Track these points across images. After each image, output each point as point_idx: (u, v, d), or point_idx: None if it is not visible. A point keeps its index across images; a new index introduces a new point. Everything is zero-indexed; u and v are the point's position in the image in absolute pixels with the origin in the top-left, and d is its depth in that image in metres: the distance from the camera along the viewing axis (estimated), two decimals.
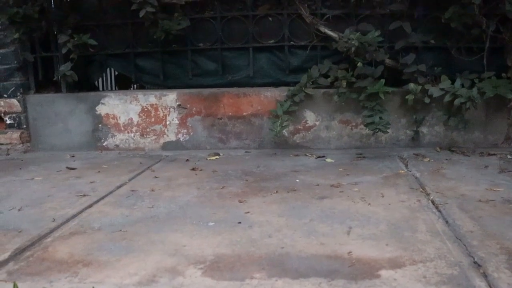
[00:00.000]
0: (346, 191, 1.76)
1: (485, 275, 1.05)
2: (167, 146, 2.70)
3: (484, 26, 2.39)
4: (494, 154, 2.33)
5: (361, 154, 2.44)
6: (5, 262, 1.19)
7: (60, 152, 2.72)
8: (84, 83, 2.93)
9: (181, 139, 2.69)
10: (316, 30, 2.61)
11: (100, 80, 3.42)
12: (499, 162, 2.13)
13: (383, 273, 1.08)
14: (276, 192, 1.77)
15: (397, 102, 2.54)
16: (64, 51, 2.68)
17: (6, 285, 1.06)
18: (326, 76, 2.55)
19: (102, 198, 1.76)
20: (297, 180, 1.93)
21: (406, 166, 2.16)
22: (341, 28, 2.54)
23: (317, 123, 2.60)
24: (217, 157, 2.48)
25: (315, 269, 1.11)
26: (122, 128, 2.73)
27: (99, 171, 2.21)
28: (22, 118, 2.80)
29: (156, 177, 2.07)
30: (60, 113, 2.76)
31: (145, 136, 2.71)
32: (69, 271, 1.13)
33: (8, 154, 2.77)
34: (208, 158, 2.45)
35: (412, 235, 1.31)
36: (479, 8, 2.32)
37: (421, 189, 1.76)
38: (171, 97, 2.68)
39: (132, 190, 1.85)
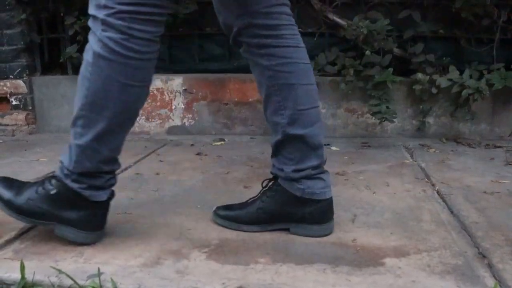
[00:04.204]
0: (351, 179, 1.76)
1: (489, 266, 1.05)
2: (172, 130, 2.70)
3: (495, 17, 2.37)
4: (500, 147, 2.32)
5: (366, 143, 2.44)
6: (12, 240, 1.20)
7: (65, 134, 2.72)
8: None
9: (186, 124, 2.69)
10: (324, 17, 2.59)
11: None
12: (505, 155, 2.12)
13: (388, 261, 1.08)
14: None
15: (404, 92, 2.53)
16: (71, 32, 2.67)
17: (12, 262, 1.07)
18: (333, 64, 2.53)
19: None
20: None
21: (412, 156, 2.15)
22: (349, 16, 2.52)
23: (323, 111, 2.59)
24: (222, 142, 2.48)
25: (320, 255, 1.11)
26: None
27: None
28: (27, 99, 2.80)
29: (161, 161, 2.08)
30: (66, 95, 2.76)
31: (150, 120, 2.71)
32: (74, 251, 1.13)
33: (14, 135, 2.77)
34: (213, 144, 2.45)
35: (417, 224, 1.31)
36: None
37: (426, 179, 1.76)
38: (177, 82, 2.67)
39: (137, 173, 1.86)
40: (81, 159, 1.11)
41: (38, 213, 1.14)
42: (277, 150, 1.23)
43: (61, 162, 1.15)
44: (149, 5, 1.04)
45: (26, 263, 1.03)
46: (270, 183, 1.27)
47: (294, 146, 1.19)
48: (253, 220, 1.25)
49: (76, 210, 1.14)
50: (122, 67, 1.05)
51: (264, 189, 1.28)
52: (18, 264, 1.02)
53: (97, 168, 1.13)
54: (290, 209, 1.22)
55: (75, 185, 1.13)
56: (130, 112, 1.12)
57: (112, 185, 1.19)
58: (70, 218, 1.14)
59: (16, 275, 1.00)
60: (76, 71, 2.78)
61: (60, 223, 1.15)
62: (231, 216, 1.28)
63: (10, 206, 1.15)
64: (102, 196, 1.16)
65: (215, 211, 1.33)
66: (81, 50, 2.68)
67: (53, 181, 1.15)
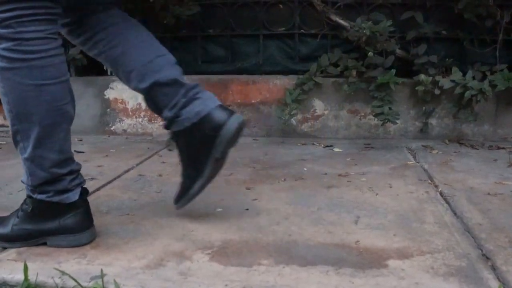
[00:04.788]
0: (354, 181, 1.75)
1: (493, 268, 1.05)
2: None
3: (498, 18, 2.36)
4: (503, 148, 2.32)
5: (369, 144, 2.43)
6: None
7: None
8: (93, 68, 2.93)
9: None
10: (327, 19, 2.59)
11: None
12: (509, 156, 2.12)
13: (391, 263, 1.08)
14: (284, 180, 1.77)
15: (407, 93, 2.52)
16: None
17: (16, 264, 1.07)
18: (336, 65, 2.53)
19: (110, 182, 1.77)
20: (305, 169, 1.93)
21: (415, 157, 2.15)
22: (352, 17, 2.52)
23: (326, 112, 2.59)
24: None
25: (323, 257, 1.11)
26: (130, 113, 2.73)
27: (106, 155, 2.21)
28: None
29: (163, 162, 2.08)
30: None
31: (153, 121, 2.72)
32: (77, 252, 1.13)
33: None
34: None
35: (420, 226, 1.30)
36: None
37: (429, 181, 1.75)
38: None
39: (140, 175, 1.86)
40: (33, 170, 1.13)
41: (25, 234, 1.17)
42: (154, 107, 1.27)
43: (22, 182, 1.18)
44: (30, 8, 1.05)
45: (29, 265, 1.03)
46: (173, 138, 1.30)
47: (158, 95, 1.24)
48: (193, 175, 1.28)
49: (57, 218, 1.16)
50: (27, 71, 1.07)
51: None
52: (21, 265, 1.02)
53: (52, 174, 1.14)
54: (202, 138, 1.23)
55: (42, 196, 1.15)
56: (58, 110, 1.12)
57: (79, 184, 1.20)
58: (54, 227, 1.16)
59: (19, 276, 1.00)
60: (79, 72, 2.81)
61: (49, 236, 1.17)
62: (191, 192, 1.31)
63: (0, 238, 1.18)
64: (71, 197, 1.17)
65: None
66: (83, 52, 2.70)
67: (27, 200, 1.18)
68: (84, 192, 1.21)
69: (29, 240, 1.17)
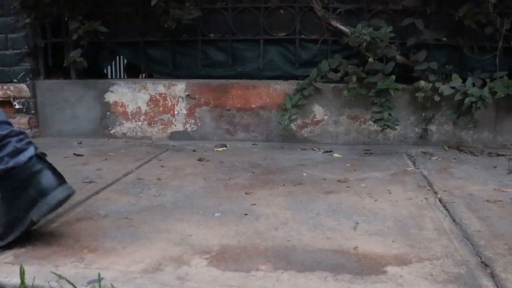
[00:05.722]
0: (353, 187, 1.75)
1: (492, 275, 1.04)
2: (174, 136, 2.70)
3: (498, 25, 2.37)
4: (503, 155, 2.31)
5: (368, 150, 2.43)
6: (12, 245, 1.19)
7: (67, 138, 2.72)
8: (94, 71, 2.93)
9: (188, 130, 2.69)
10: (328, 24, 2.59)
11: (109, 68, 3.42)
12: (508, 163, 2.11)
13: (389, 269, 1.07)
14: (283, 185, 1.77)
15: (407, 99, 2.52)
16: (74, 37, 2.67)
17: (13, 267, 1.06)
18: (336, 70, 2.53)
19: (109, 185, 1.76)
20: (304, 174, 1.92)
21: (414, 163, 2.15)
22: (353, 23, 2.52)
23: (326, 117, 2.59)
24: (224, 148, 2.48)
25: (321, 263, 1.10)
26: (130, 117, 2.73)
27: (106, 159, 2.21)
28: (31, 103, 2.80)
29: (162, 166, 2.07)
30: (68, 99, 2.76)
31: (152, 125, 2.71)
32: (75, 256, 1.13)
33: None
34: (215, 149, 2.45)
35: (419, 232, 1.30)
36: (493, 6, 2.30)
37: (428, 187, 1.75)
38: (180, 87, 2.67)
39: (139, 179, 1.85)
40: None
41: (9, 222, 1.17)
42: None
43: None
44: None
45: (26, 268, 1.03)
46: None
47: None
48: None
49: (27, 189, 1.16)
50: None
51: None
52: (18, 268, 1.02)
53: None
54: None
55: (1, 168, 1.16)
56: None
57: (30, 143, 1.22)
58: (31, 198, 1.16)
59: (16, 280, 1.00)
60: (79, 75, 2.81)
61: (31, 211, 1.16)
62: None
63: None
64: (26, 154, 1.18)
65: None
66: (84, 55, 2.71)
67: None
68: (42, 155, 1.23)
69: (17, 228, 1.16)
